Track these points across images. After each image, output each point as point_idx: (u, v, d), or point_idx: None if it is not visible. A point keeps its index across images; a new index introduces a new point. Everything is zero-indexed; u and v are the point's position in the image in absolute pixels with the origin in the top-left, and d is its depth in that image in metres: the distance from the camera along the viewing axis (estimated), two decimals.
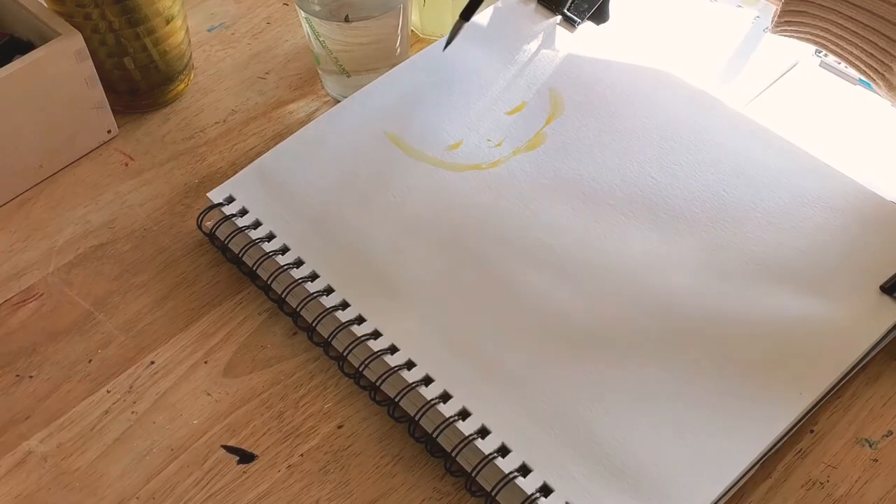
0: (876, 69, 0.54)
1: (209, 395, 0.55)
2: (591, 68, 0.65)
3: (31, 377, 0.56)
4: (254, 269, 0.58)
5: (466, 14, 0.63)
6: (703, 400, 0.50)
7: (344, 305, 0.55)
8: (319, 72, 0.70)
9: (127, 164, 0.67)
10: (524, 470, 0.49)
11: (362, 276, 0.56)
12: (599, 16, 0.67)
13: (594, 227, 0.57)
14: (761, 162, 0.60)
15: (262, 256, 0.58)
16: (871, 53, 0.54)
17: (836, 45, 0.56)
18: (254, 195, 0.61)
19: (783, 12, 0.57)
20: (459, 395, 0.51)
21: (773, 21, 0.58)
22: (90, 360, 0.57)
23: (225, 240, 0.60)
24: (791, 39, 0.59)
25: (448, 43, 0.64)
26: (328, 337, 0.55)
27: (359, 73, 0.67)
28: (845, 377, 0.52)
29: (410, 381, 0.52)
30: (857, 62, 0.56)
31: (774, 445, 0.50)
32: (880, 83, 0.55)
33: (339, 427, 0.54)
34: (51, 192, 0.65)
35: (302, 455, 0.53)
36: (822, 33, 0.56)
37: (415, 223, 0.58)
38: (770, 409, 0.50)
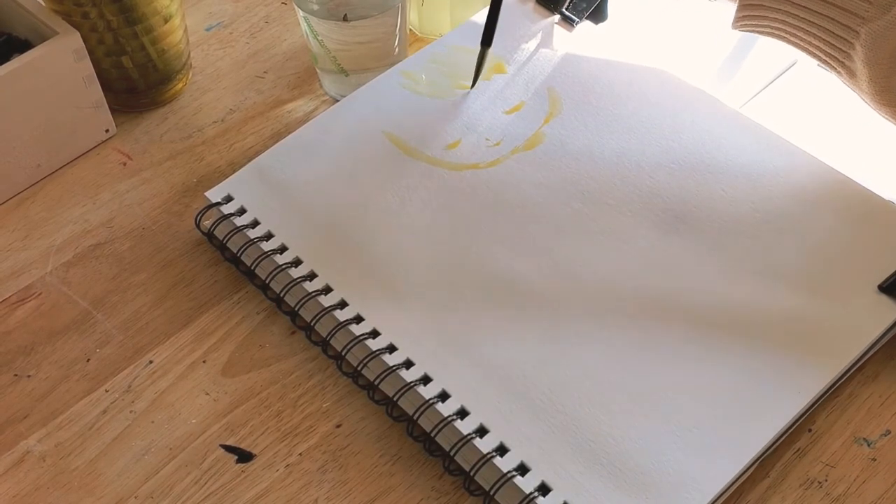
0: (836, 57, 0.54)
1: (207, 394, 0.55)
2: (589, 67, 0.65)
3: (29, 376, 0.56)
4: (252, 268, 0.58)
5: (486, 39, 0.62)
6: (700, 399, 0.51)
7: (342, 305, 0.55)
8: (318, 71, 0.70)
9: (125, 164, 0.67)
10: (522, 469, 0.49)
11: (360, 274, 0.56)
12: (598, 15, 0.67)
13: (593, 227, 0.58)
14: (759, 161, 0.60)
15: (260, 255, 0.58)
16: (828, 42, 0.53)
17: (795, 35, 0.55)
18: (252, 194, 0.60)
19: (741, 6, 0.57)
20: (458, 395, 0.51)
21: (734, 17, 0.58)
22: (88, 360, 0.57)
23: (223, 239, 0.60)
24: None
25: (476, 79, 0.64)
26: (327, 336, 0.55)
27: (357, 72, 0.67)
28: (843, 376, 0.53)
29: (409, 381, 0.52)
30: (817, 52, 0.55)
31: (772, 444, 0.50)
32: (842, 71, 0.54)
33: (338, 426, 0.54)
34: (49, 191, 0.65)
35: (300, 454, 0.53)
36: (780, 25, 0.56)
37: (413, 222, 0.58)
38: (767, 407, 0.50)
